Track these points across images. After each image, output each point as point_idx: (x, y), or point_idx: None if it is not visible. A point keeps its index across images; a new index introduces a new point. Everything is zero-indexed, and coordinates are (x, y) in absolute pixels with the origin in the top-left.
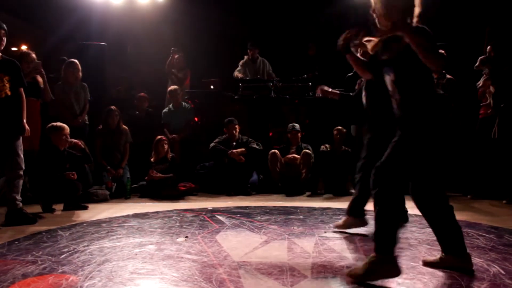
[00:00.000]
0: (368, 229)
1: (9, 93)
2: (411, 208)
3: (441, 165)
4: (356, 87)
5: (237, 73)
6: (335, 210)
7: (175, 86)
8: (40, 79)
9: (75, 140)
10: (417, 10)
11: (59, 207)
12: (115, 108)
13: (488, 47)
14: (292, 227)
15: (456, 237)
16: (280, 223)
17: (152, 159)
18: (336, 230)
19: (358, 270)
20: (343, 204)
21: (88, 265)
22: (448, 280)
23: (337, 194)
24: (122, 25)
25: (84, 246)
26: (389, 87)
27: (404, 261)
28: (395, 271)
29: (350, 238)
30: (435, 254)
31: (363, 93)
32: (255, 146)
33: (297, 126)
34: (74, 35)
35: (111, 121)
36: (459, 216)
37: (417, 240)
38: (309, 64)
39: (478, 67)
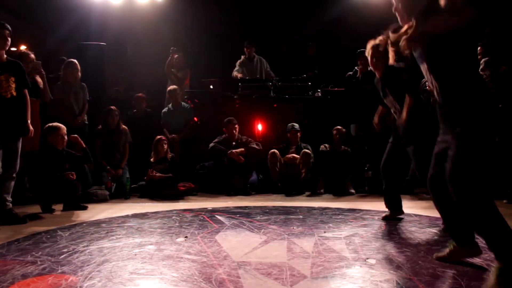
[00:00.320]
0: (367, 229)
1: (14, 93)
2: (411, 208)
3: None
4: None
5: (236, 73)
6: (334, 210)
7: (174, 86)
8: (39, 79)
9: (73, 136)
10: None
11: (58, 207)
12: (114, 108)
13: (479, 48)
14: (292, 227)
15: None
16: (280, 223)
17: (151, 159)
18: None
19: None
20: (343, 204)
21: (87, 265)
22: (448, 280)
23: (337, 194)
24: (122, 25)
25: (84, 247)
26: (426, 76)
27: (404, 261)
28: None
29: (349, 238)
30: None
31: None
32: (254, 146)
33: (296, 125)
34: (73, 35)
35: (111, 121)
36: None
37: (417, 240)
38: (309, 64)
39: (482, 70)
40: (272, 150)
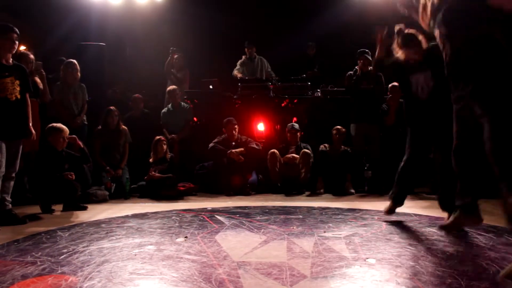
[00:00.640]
0: (367, 229)
1: (19, 96)
2: (411, 207)
3: None
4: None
5: (236, 72)
6: (334, 209)
7: (174, 86)
8: (38, 79)
9: (71, 136)
10: None
11: (58, 207)
12: (114, 108)
13: None
14: (292, 227)
15: None
16: (280, 223)
17: (151, 160)
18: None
19: None
20: (343, 204)
21: (87, 265)
22: (448, 279)
23: (337, 193)
24: (121, 25)
25: (84, 247)
26: (440, 43)
27: (404, 261)
28: None
29: (349, 237)
30: (435, 253)
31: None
32: (254, 146)
33: (296, 125)
34: (73, 36)
35: (111, 121)
36: None
37: (417, 240)
38: (309, 63)
39: None
40: (272, 150)
